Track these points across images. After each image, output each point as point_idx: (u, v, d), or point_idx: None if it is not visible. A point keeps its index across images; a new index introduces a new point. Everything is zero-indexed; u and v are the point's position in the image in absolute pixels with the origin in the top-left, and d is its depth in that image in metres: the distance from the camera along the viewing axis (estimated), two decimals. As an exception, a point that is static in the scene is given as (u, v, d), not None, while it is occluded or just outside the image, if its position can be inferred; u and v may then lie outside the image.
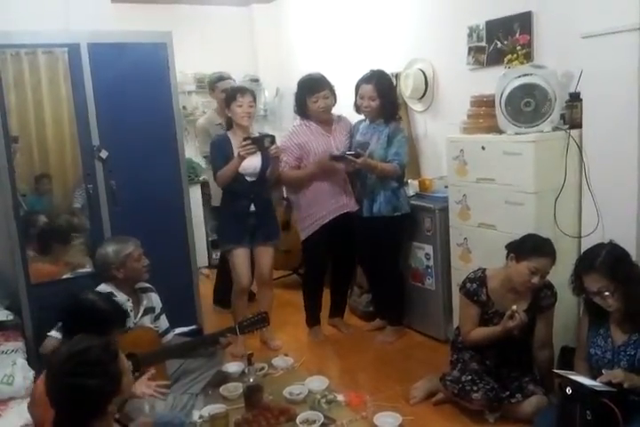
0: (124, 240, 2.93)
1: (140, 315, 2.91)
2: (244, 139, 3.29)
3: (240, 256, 3.53)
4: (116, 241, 2.95)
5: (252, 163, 3.39)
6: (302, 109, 3.63)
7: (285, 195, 5.01)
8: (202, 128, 4.20)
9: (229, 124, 3.54)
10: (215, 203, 3.96)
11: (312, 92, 3.54)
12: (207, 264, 5.32)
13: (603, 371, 2.30)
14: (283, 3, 5.64)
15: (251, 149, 3.26)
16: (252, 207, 3.46)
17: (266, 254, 3.61)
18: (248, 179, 3.43)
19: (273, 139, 3.35)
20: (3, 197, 3.16)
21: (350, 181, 3.65)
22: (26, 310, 3.21)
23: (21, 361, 2.72)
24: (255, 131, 3.72)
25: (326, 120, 3.64)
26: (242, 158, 3.29)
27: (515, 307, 2.62)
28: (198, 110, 5.43)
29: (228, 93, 3.54)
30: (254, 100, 3.49)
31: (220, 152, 3.44)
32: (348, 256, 3.85)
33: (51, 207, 3.32)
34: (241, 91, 3.47)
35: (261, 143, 3.28)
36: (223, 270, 4.05)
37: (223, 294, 4.07)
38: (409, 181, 3.86)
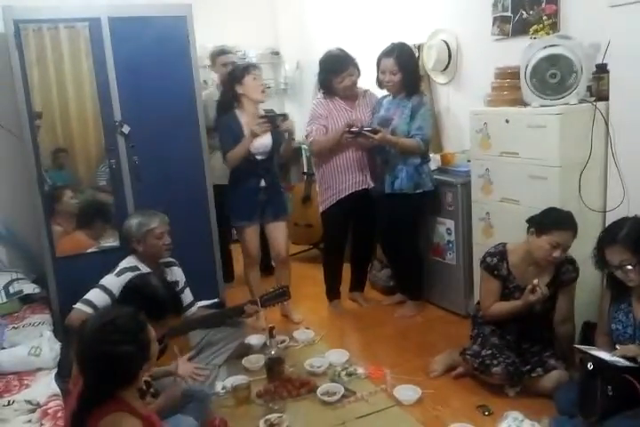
0: (151, 215, 2.95)
1: (163, 289, 2.95)
2: (260, 117, 3.28)
3: (250, 232, 3.56)
4: (143, 215, 2.98)
5: (263, 142, 3.38)
6: (327, 89, 3.59)
7: (305, 169, 5.02)
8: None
9: (233, 102, 3.44)
10: (217, 181, 3.75)
11: (337, 72, 3.50)
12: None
13: (617, 346, 2.29)
14: (304, -26, 5.54)
15: (266, 127, 3.25)
16: (263, 183, 3.46)
17: (279, 231, 3.61)
18: (258, 157, 3.42)
19: (285, 117, 3.36)
20: (27, 172, 3.21)
21: (370, 158, 3.63)
22: (52, 283, 3.28)
23: (48, 333, 2.78)
24: (272, 105, 3.70)
25: (351, 95, 3.61)
26: (255, 135, 3.26)
27: (536, 281, 2.61)
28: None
29: (238, 69, 3.45)
30: None
31: (229, 133, 3.40)
32: (367, 231, 3.85)
33: (74, 182, 3.35)
34: (252, 65, 3.47)
35: (275, 122, 3.28)
36: (222, 246, 3.98)
37: (224, 268, 4.08)
38: (431, 155, 3.82)
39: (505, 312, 2.75)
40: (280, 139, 3.44)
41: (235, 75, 3.43)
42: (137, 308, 2.26)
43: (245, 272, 3.76)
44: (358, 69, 3.57)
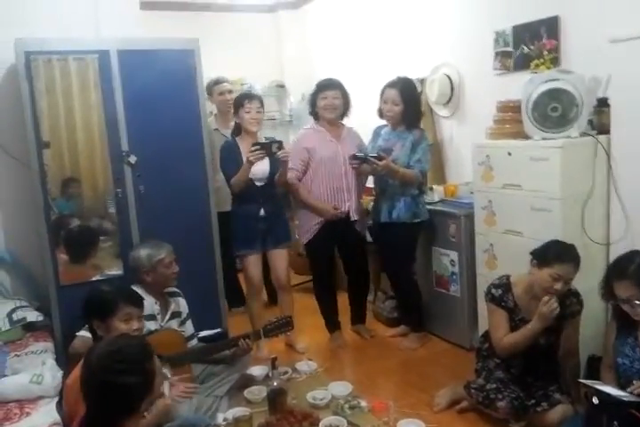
0: (159, 246, 2.98)
1: (167, 318, 2.95)
2: (253, 144, 3.32)
3: (252, 260, 3.58)
4: (151, 246, 2.99)
5: (261, 168, 3.42)
6: (312, 107, 3.67)
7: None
8: None
9: (238, 129, 3.57)
10: (219, 208, 3.73)
11: (323, 89, 3.58)
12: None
13: (634, 382, 2.25)
14: (309, 9, 5.67)
15: (259, 155, 3.28)
16: (262, 212, 3.48)
17: (280, 258, 3.63)
18: (257, 183, 3.46)
19: (280, 144, 3.37)
20: (34, 201, 3.24)
21: (357, 190, 3.65)
22: (55, 311, 3.27)
23: (50, 361, 2.76)
24: (277, 136, 3.74)
25: (333, 123, 3.65)
26: (251, 164, 3.31)
27: (547, 297, 2.56)
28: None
29: (235, 100, 3.57)
30: (262, 105, 3.53)
31: (230, 159, 3.47)
32: (358, 263, 3.85)
33: (80, 211, 3.36)
34: (248, 97, 3.51)
35: (269, 149, 3.31)
36: (227, 272, 3.95)
37: (231, 294, 4.07)
38: (434, 186, 3.85)
39: (519, 339, 2.65)
40: (278, 165, 3.47)
41: (235, 105, 3.53)
42: (91, 312, 2.36)
43: (247, 301, 3.76)
44: (346, 101, 3.64)
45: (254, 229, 3.51)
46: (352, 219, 3.64)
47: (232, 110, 3.64)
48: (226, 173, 3.50)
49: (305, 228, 3.69)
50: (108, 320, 2.36)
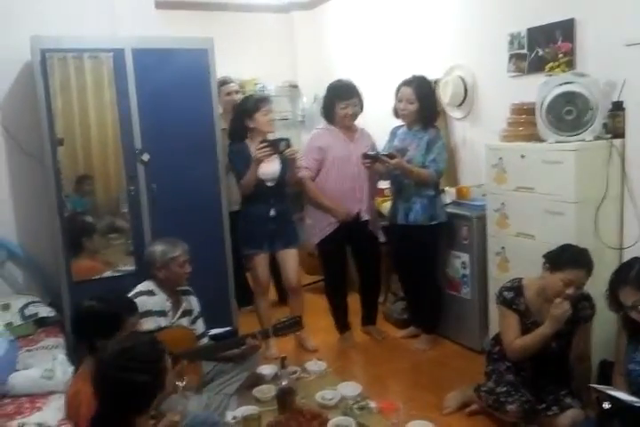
0: (174, 244, 2.99)
1: (177, 316, 2.96)
2: (261, 142, 3.35)
3: (260, 260, 3.58)
4: (166, 242, 3.00)
5: (272, 168, 3.44)
6: (329, 113, 3.65)
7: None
8: None
9: (244, 133, 3.54)
10: (234, 207, 3.79)
11: (343, 98, 3.56)
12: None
13: None
14: (323, 10, 5.67)
15: (267, 152, 3.31)
16: (272, 212, 3.49)
17: (290, 259, 3.63)
18: (268, 184, 3.48)
19: (288, 142, 3.39)
20: (48, 198, 3.26)
21: (369, 191, 3.64)
22: (67, 306, 3.30)
23: (61, 357, 2.78)
24: (289, 136, 3.75)
25: (349, 127, 3.66)
26: (259, 162, 3.33)
27: (559, 299, 2.54)
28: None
29: (249, 103, 3.54)
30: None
31: (240, 160, 3.48)
32: (368, 262, 3.84)
33: (93, 208, 3.38)
34: (261, 100, 3.53)
35: (277, 146, 3.33)
36: (235, 271, 3.93)
37: (239, 293, 4.08)
38: (446, 188, 3.84)
39: (530, 343, 2.63)
40: (288, 165, 3.48)
41: (245, 109, 3.52)
42: (92, 332, 2.23)
43: (255, 301, 3.77)
44: (362, 104, 3.64)
45: (264, 229, 3.52)
46: (362, 219, 3.63)
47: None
48: (236, 175, 3.52)
49: (317, 228, 3.69)
50: (114, 337, 2.22)
